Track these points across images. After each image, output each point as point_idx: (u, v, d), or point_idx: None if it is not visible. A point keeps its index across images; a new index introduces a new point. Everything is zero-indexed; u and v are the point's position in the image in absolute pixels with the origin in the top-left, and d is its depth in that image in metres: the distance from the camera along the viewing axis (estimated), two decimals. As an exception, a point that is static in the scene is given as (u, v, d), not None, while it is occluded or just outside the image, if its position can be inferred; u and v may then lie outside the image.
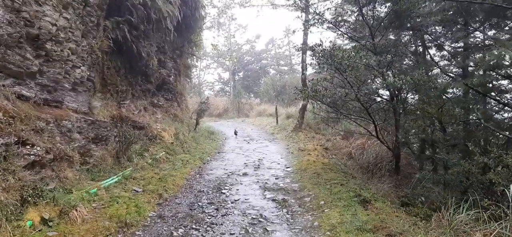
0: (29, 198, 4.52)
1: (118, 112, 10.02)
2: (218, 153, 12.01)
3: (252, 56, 42.48)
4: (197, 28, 15.42)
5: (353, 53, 6.87)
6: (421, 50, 11.34)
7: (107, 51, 9.32)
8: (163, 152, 9.94)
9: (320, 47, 7.57)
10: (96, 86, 8.96)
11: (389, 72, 8.50)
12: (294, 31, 41.16)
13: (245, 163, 9.97)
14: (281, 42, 42.71)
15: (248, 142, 14.97)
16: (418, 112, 8.27)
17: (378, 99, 9.39)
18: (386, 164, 9.51)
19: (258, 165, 9.73)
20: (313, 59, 8.33)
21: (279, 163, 10.00)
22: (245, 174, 8.64)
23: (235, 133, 18.66)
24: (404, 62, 10.74)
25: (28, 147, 5.24)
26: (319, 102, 9.37)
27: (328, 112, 10.65)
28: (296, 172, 8.76)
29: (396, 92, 8.01)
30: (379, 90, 8.95)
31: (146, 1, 10.47)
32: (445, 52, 10.56)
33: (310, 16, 11.75)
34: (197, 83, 38.86)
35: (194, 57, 17.65)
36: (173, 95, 14.27)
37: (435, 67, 10.39)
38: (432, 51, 11.04)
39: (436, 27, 9.84)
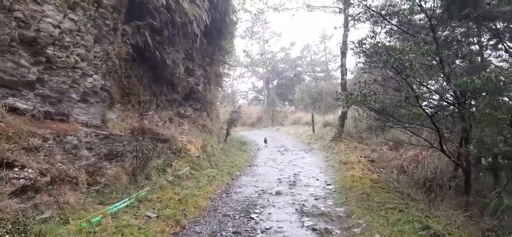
0: (6, 236, 3.63)
1: (140, 124, 9.22)
2: (249, 166, 10.89)
3: (286, 64, 41.32)
4: (228, 34, 14.52)
5: (414, 47, 5.48)
6: (477, 48, 9.76)
7: (127, 58, 8.59)
8: (188, 167, 8.98)
9: (372, 39, 6.20)
10: (114, 96, 8.20)
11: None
12: (330, 36, 39.90)
13: (278, 179, 8.77)
14: (317, 48, 41.29)
15: (282, 153, 13.75)
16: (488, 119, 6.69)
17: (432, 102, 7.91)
18: (448, 181, 7.93)
19: (294, 181, 8.49)
20: (359, 57, 6.99)
21: (318, 179, 8.69)
22: (278, 193, 7.44)
23: (265, 141, 17.87)
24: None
25: (16, 169, 4.41)
26: (366, 109, 7.99)
27: (376, 119, 9.20)
28: (339, 191, 7.42)
29: (465, 95, 6.49)
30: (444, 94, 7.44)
31: (170, 4, 9.69)
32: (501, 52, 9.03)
33: (351, 11, 10.43)
34: (230, 92, 38.29)
35: (226, 65, 16.76)
36: (202, 105, 13.41)
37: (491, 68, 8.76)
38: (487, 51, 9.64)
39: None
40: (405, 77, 5.88)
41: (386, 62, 5.77)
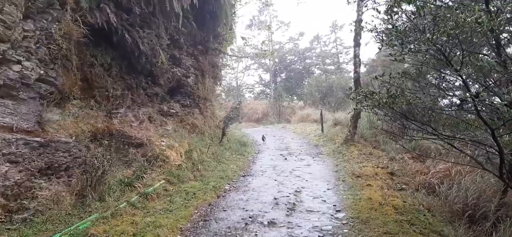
0: None
1: (106, 125, 7.45)
2: (243, 177, 9.05)
3: (295, 55, 39.20)
4: (223, 17, 12.60)
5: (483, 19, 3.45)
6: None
7: (84, 41, 6.79)
8: (162, 181, 7.19)
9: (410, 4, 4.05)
10: (64, 90, 6.41)
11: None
12: (342, 26, 37.61)
13: (275, 198, 6.90)
14: (328, 38, 39.07)
15: (285, 158, 11.87)
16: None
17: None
18: (496, 210, 5.99)
19: (294, 203, 6.61)
20: (383, 39, 4.92)
21: (325, 200, 6.80)
22: (271, 223, 5.58)
23: (263, 139, 16.82)
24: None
25: None
26: (388, 112, 6.06)
27: (400, 124, 7.27)
28: (352, 223, 5.52)
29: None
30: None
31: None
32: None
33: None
34: (235, 86, 36.45)
35: (225, 54, 14.87)
36: (192, 101, 11.59)
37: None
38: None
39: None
40: (458, 70, 3.88)
41: (430, 43, 3.76)
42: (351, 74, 35.49)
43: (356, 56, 13.14)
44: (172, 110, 10.11)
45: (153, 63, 9.08)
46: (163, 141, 8.55)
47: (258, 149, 14.39)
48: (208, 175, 8.48)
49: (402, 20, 4.88)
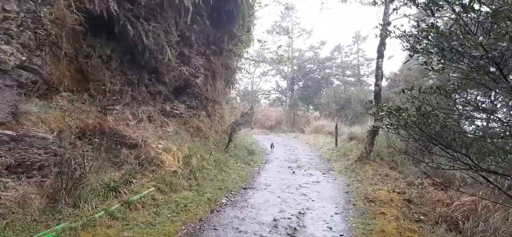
0: None
1: (98, 122, 6.88)
2: (244, 189, 8.32)
3: (314, 64, 38.29)
4: (240, 17, 11.96)
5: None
6: None
7: (81, 29, 6.25)
8: (153, 188, 6.55)
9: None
10: (51, 80, 5.87)
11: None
12: (365, 38, 36.50)
13: (275, 220, 6.13)
14: (349, 49, 37.96)
15: (293, 171, 11.08)
16: None
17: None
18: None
19: (295, 228, 5.83)
20: (412, 41, 4.00)
21: (330, 227, 5.99)
22: (266, 252, 4.84)
23: (272, 147, 16.76)
24: None
25: None
26: (413, 132, 5.20)
27: (423, 145, 6.40)
28: (360, 262, 4.71)
29: None
30: None
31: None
32: None
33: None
34: (250, 90, 35.85)
35: (239, 58, 14.22)
36: (199, 102, 10.97)
37: None
38: None
39: None
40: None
41: (482, 49, 2.88)
42: (371, 88, 34.23)
43: (378, 68, 12.24)
44: (176, 111, 9.50)
45: (158, 59, 8.49)
46: (161, 144, 7.93)
47: (266, 159, 13.64)
48: (205, 185, 7.79)
49: (445, 18, 4.05)
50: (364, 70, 37.09)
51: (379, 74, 12.33)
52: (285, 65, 36.83)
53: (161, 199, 6.42)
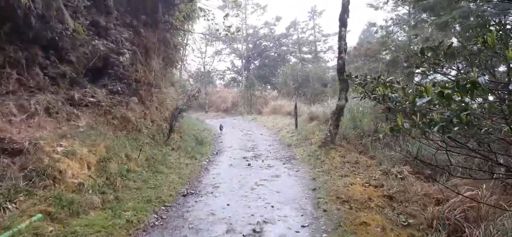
0: None
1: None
2: (184, 196, 6.36)
3: (270, 41, 36.45)
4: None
5: None
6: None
7: None
8: (40, 214, 4.42)
9: None
10: None
11: None
12: (321, 12, 35.19)
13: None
14: (305, 25, 36.43)
15: (249, 163, 9.30)
16: None
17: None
18: None
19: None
20: None
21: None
22: None
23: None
24: None
25: None
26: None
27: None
28: None
29: None
30: None
31: None
32: None
33: None
34: (204, 71, 33.43)
35: (177, 30, 11.93)
36: (127, 86, 8.70)
37: None
38: None
39: None
40: None
41: None
42: (330, 64, 33.42)
43: (341, 38, 10.60)
44: (91, 98, 7.20)
45: (56, 29, 6.18)
46: (61, 146, 5.71)
47: (217, 149, 11.72)
48: (127, 198, 5.72)
49: None
50: (321, 46, 35.95)
51: (342, 46, 10.72)
52: (239, 43, 34.77)
53: (51, 231, 4.30)
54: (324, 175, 7.89)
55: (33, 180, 4.98)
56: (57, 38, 6.32)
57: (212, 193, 6.65)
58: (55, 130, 6.13)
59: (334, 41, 42.69)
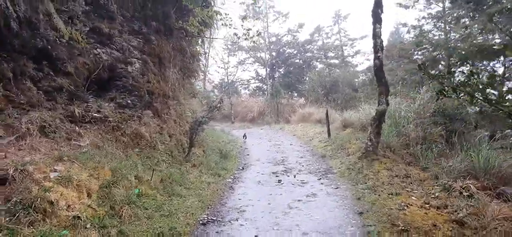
0: None
1: None
2: (204, 225, 5.27)
3: (294, 48, 35.19)
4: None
5: None
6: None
7: None
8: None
9: None
10: None
11: None
12: (346, 16, 33.68)
13: None
14: (330, 30, 34.95)
15: (279, 180, 8.13)
16: None
17: None
18: None
19: None
20: None
21: None
22: None
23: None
24: None
25: None
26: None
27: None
28: None
29: None
30: None
31: None
32: None
33: None
34: (227, 81, 32.66)
35: (193, 37, 10.99)
36: (138, 99, 7.79)
37: None
38: None
39: None
40: None
41: None
42: (358, 68, 31.74)
43: (376, 35, 9.27)
44: (95, 114, 6.31)
45: (48, 37, 5.33)
46: (55, 171, 4.78)
47: (244, 163, 10.61)
48: (134, 232, 4.68)
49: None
50: (348, 50, 34.30)
51: (378, 44, 9.37)
52: (262, 52, 33.83)
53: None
54: (370, 193, 6.58)
55: (17, 215, 4.05)
56: (49, 47, 5.49)
57: (237, 220, 5.52)
58: (51, 152, 5.24)
59: (361, 45, 40.97)
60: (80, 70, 6.11)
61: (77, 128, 5.91)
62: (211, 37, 12.91)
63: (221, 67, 32.37)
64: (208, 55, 29.43)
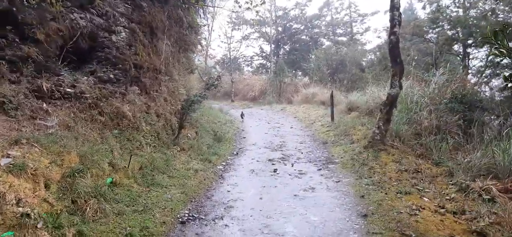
0: None
1: None
2: (182, 224, 4.56)
3: (301, 23, 33.86)
4: None
5: None
6: None
7: None
8: None
9: None
10: None
11: None
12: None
13: None
14: (340, 4, 33.53)
15: (275, 169, 7.40)
16: None
17: None
18: None
19: None
20: None
21: None
22: None
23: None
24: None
25: None
26: None
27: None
28: None
29: None
30: None
31: None
32: None
33: None
34: (229, 57, 31.62)
35: (191, 5, 10.06)
36: (122, 73, 6.98)
37: None
38: None
39: None
40: None
41: None
42: (367, 47, 30.46)
43: (394, 7, 8.29)
44: (68, 89, 5.54)
45: (10, -4, 4.48)
46: (8, 157, 4.06)
47: (239, 147, 9.90)
48: (96, 232, 3.99)
49: None
50: (357, 27, 32.98)
51: (395, 17, 8.39)
52: (268, 27, 32.56)
53: None
54: (376, 190, 5.83)
55: None
56: (14, 9, 4.66)
57: (222, 218, 4.81)
58: (9, 133, 4.50)
59: (372, 22, 39.55)
60: (52, 38, 5.30)
61: (44, 105, 5.16)
62: (211, 6, 11.94)
63: (224, 42, 31.29)
64: (211, 28, 28.35)
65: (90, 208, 4.25)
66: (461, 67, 16.08)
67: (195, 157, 7.77)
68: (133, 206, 4.76)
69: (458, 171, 6.19)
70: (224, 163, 7.93)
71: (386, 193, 5.64)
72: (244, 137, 11.41)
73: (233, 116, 16.06)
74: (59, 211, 3.98)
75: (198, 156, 7.89)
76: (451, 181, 6.02)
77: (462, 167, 6.27)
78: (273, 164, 7.91)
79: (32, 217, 3.71)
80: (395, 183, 6.13)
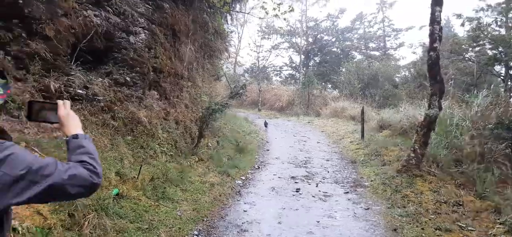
0: None
1: None
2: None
3: (332, 35, 33.08)
4: None
5: None
6: None
7: None
8: None
9: None
10: None
11: None
12: (392, 4, 31.03)
13: None
14: (373, 18, 32.48)
15: (298, 189, 6.79)
16: None
17: None
18: None
19: None
20: None
21: None
22: None
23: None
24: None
25: None
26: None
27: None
28: None
29: None
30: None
31: None
32: None
33: None
34: (258, 66, 31.29)
35: (216, 9, 9.70)
36: (140, 77, 6.67)
37: None
38: None
39: None
40: None
41: None
42: (400, 63, 29.09)
43: (435, 21, 7.53)
44: (80, 91, 5.25)
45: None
46: None
47: (261, 160, 9.36)
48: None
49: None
50: (391, 42, 31.78)
51: (435, 32, 7.62)
52: (298, 37, 31.99)
53: None
54: (411, 224, 5.11)
55: None
56: (21, 2, 4.41)
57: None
58: (12, 134, 4.20)
59: (406, 37, 38.01)
60: (63, 35, 5.03)
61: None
62: (238, 11, 11.57)
63: (253, 50, 31.02)
64: (241, 36, 28.19)
65: (88, 223, 3.86)
66: (503, 89, 14.87)
67: (213, 169, 7.31)
68: (137, 222, 4.33)
69: (506, 207, 5.34)
70: (243, 177, 7.42)
71: (422, 228, 4.91)
72: (268, 150, 10.87)
73: (258, 125, 15.57)
74: (52, 226, 3.61)
75: (217, 168, 7.42)
76: (498, 219, 5.19)
77: (511, 204, 5.41)
78: (296, 182, 7.31)
79: (19, 231, 3.35)
80: (432, 216, 5.37)
